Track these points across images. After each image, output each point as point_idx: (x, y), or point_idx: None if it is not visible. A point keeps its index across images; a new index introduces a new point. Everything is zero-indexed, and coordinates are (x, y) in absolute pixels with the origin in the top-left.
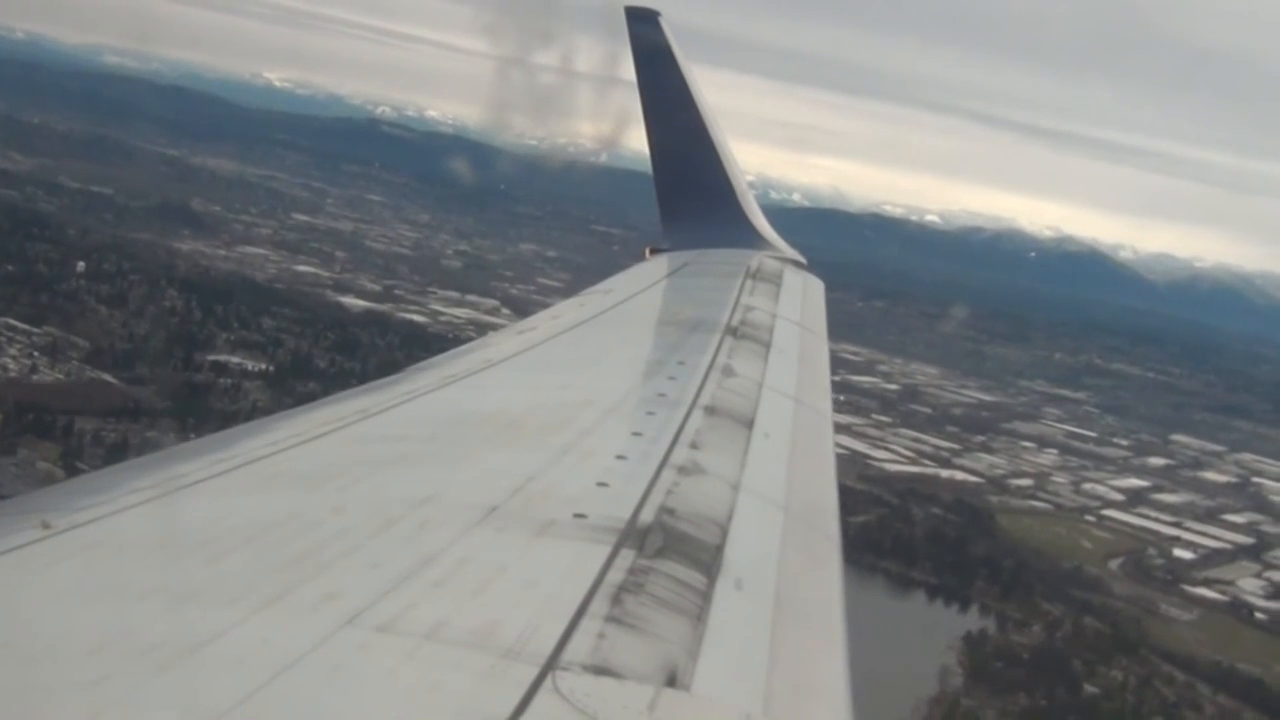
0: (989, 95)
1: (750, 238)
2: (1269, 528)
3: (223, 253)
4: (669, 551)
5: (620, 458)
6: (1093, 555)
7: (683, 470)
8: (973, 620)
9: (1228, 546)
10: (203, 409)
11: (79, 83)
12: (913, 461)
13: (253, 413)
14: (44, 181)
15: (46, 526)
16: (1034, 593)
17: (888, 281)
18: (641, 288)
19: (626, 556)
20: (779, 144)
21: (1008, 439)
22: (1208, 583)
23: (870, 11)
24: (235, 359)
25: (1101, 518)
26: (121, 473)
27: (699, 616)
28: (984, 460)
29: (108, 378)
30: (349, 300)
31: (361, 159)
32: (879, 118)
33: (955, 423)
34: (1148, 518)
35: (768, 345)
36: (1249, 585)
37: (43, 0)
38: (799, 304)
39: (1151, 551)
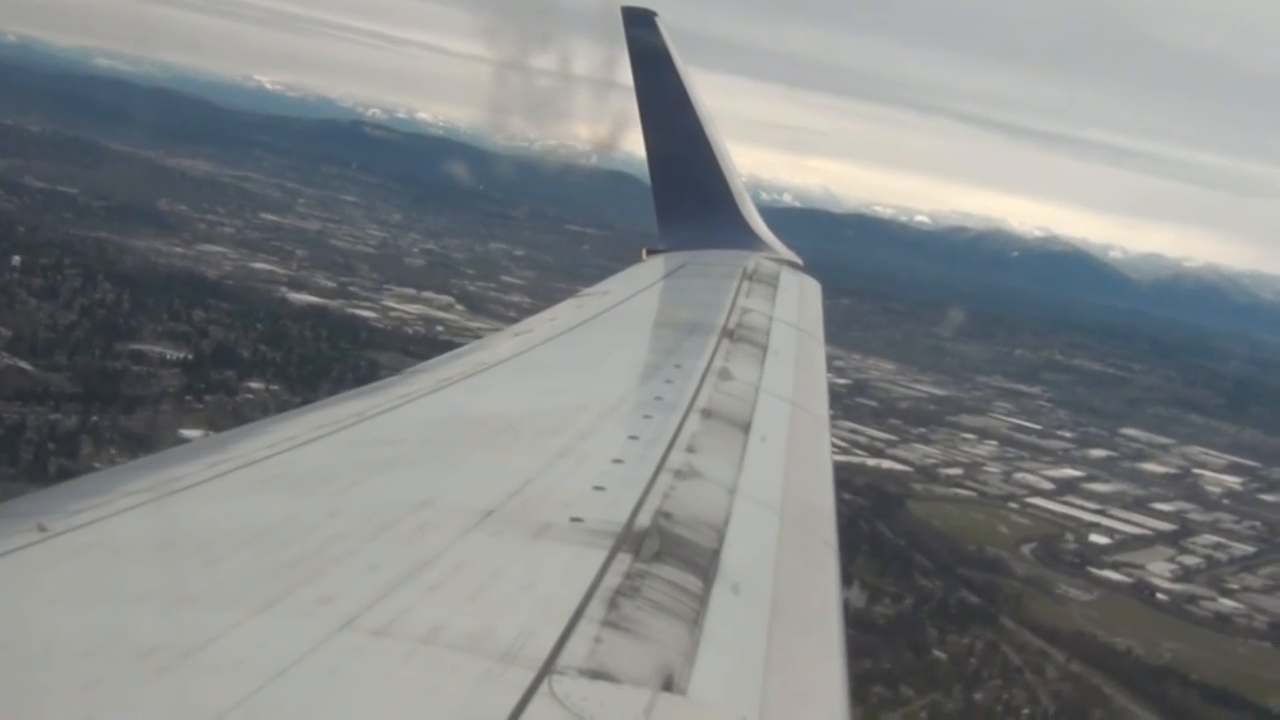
0: (981, 98)
1: (747, 239)
2: (1196, 516)
3: (180, 250)
4: (665, 555)
5: (617, 461)
6: (1005, 539)
7: (679, 474)
8: (843, 594)
9: (1148, 533)
10: (111, 394)
11: (64, 85)
12: (844, 452)
13: (161, 398)
14: (7, 181)
15: (43, 529)
16: (913, 569)
17: (863, 280)
18: (638, 289)
19: (623, 560)
20: (773, 145)
21: (949, 431)
22: (1116, 566)
23: (863, 14)
24: (157, 348)
25: (1025, 505)
26: (117, 476)
27: (695, 621)
28: (918, 450)
29: (24, 364)
30: (298, 296)
31: (341, 160)
32: (872, 119)
33: (899, 415)
34: (1073, 505)
35: (764, 348)
36: (1158, 569)
37: (35, 3)
38: (795, 306)
39: (1068, 537)
